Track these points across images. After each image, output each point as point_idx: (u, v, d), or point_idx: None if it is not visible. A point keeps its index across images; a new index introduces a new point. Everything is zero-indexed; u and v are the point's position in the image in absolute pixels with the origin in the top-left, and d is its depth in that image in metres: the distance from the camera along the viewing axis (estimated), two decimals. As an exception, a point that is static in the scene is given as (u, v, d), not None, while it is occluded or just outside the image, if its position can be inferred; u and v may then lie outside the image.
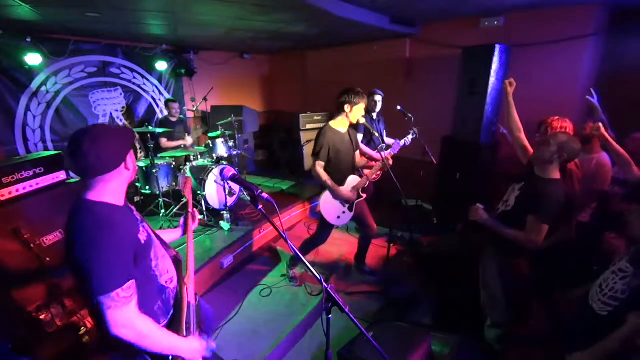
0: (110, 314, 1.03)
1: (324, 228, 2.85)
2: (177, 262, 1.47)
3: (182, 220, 1.68)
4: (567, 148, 1.83)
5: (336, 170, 2.66)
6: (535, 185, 1.91)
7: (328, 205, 2.70)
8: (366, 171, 2.82)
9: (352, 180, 2.79)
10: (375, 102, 3.57)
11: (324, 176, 2.59)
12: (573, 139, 1.87)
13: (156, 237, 1.38)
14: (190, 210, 1.67)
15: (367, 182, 2.80)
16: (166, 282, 1.31)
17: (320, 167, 2.59)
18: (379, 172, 2.84)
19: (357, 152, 2.86)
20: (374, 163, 2.99)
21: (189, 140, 4.72)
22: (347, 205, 2.78)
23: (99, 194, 1.13)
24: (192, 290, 1.40)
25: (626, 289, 1.42)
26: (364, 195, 2.84)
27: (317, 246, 2.99)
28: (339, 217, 2.77)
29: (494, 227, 1.99)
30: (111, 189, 1.16)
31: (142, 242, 1.19)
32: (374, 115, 3.64)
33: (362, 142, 3.55)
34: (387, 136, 3.83)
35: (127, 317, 1.06)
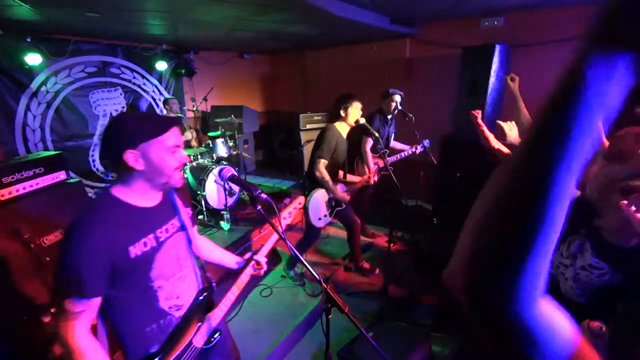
0: (59, 323, 0.95)
1: (311, 228, 2.92)
2: (206, 289, 1.30)
3: (245, 257, 1.45)
4: None
5: (330, 170, 2.74)
6: None
7: (313, 207, 2.78)
8: (341, 188, 2.88)
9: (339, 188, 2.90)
10: (395, 102, 3.35)
11: (327, 176, 2.66)
12: None
13: (180, 255, 1.18)
14: (259, 258, 1.40)
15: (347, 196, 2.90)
16: (170, 307, 1.13)
17: (323, 166, 2.65)
18: (375, 179, 2.91)
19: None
20: (356, 178, 3.06)
21: (188, 135, 4.66)
22: (329, 210, 2.87)
23: (119, 187, 1.05)
24: (206, 329, 1.23)
25: (607, 283, 1.37)
26: (344, 206, 2.93)
27: (311, 245, 3.06)
28: (319, 218, 2.85)
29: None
30: (127, 182, 1.05)
31: (133, 256, 1.01)
32: (389, 116, 3.48)
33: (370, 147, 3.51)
34: (394, 139, 3.72)
35: (64, 333, 0.94)
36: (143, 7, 2.98)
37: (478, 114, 2.36)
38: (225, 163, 4.18)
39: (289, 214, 1.64)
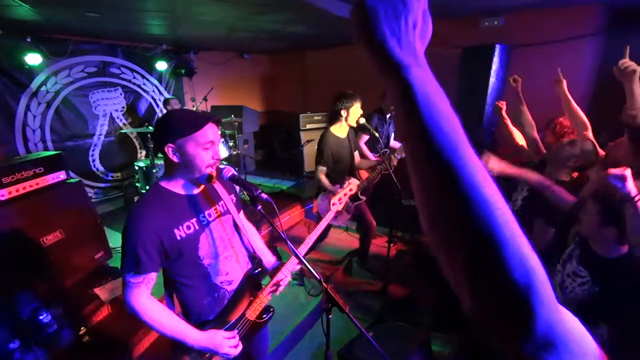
0: (124, 292, 1.12)
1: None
2: (257, 267, 1.42)
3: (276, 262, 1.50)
4: (587, 156, 1.84)
5: (336, 174, 2.75)
6: None
7: (325, 205, 2.75)
8: (364, 174, 2.85)
9: (352, 182, 2.81)
10: None
11: (325, 182, 2.70)
12: (595, 151, 1.87)
13: (225, 237, 1.30)
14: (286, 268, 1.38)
15: (367, 185, 2.82)
16: (222, 282, 1.28)
17: (322, 172, 2.71)
18: (395, 162, 2.84)
19: (356, 153, 2.89)
20: (366, 162, 3.04)
21: None
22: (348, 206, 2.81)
23: (165, 178, 1.20)
24: (257, 304, 1.35)
25: (586, 295, 1.35)
26: (363, 198, 2.87)
27: (317, 244, 3.03)
28: (336, 217, 2.78)
29: (515, 175, 1.82)
30: (170, 174, 1.19)
31: (179, 237, 1.15)
32: (388, 115, 3.50)
33: (366, 142, 3.51)
34: (394, 139, 3.74)
35: (131, 301, 1.12)
36: (143, 7, 2.98)
37: (503, 105, 2.29)
38: (225, 163, 4.18)
39: (338, 200, 1.67)
